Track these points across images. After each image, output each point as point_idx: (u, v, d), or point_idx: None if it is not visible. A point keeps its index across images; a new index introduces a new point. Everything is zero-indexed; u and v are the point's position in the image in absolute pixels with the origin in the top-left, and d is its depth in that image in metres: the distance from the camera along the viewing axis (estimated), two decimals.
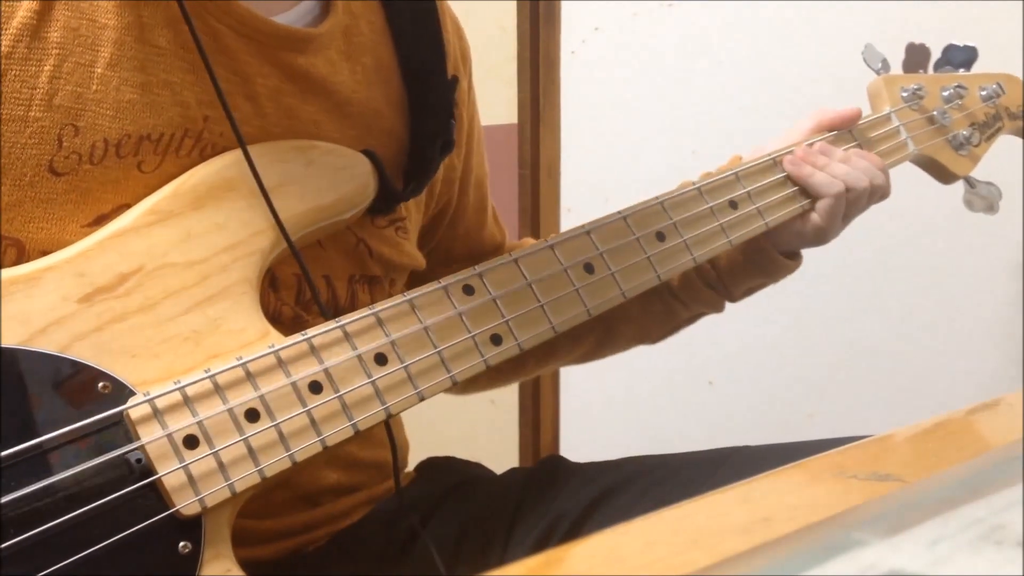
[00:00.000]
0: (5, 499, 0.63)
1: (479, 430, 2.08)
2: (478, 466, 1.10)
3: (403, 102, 0.92)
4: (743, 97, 2.16)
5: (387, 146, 0.90)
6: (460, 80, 0.98)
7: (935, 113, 1.12)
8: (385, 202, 0.87)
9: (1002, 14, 2.11)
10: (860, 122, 1.07)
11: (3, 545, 0.62)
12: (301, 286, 0.84)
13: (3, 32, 0.73)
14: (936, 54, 1.16)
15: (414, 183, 0.91)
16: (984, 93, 1.16)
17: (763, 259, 1.03)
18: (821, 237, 1.02)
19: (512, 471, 1.08)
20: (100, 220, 0.75)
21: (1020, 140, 1.22)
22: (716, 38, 2.16)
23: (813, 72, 2.13)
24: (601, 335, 1.09)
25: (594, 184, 2.16)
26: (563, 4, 2.13)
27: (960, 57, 1.16)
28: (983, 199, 1.12)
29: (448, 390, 1.11)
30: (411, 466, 1.08)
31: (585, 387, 2.12)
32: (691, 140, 2.15)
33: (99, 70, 0.75)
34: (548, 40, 2.14)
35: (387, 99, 0.91)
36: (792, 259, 1.05)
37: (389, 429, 0.83)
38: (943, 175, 1.13)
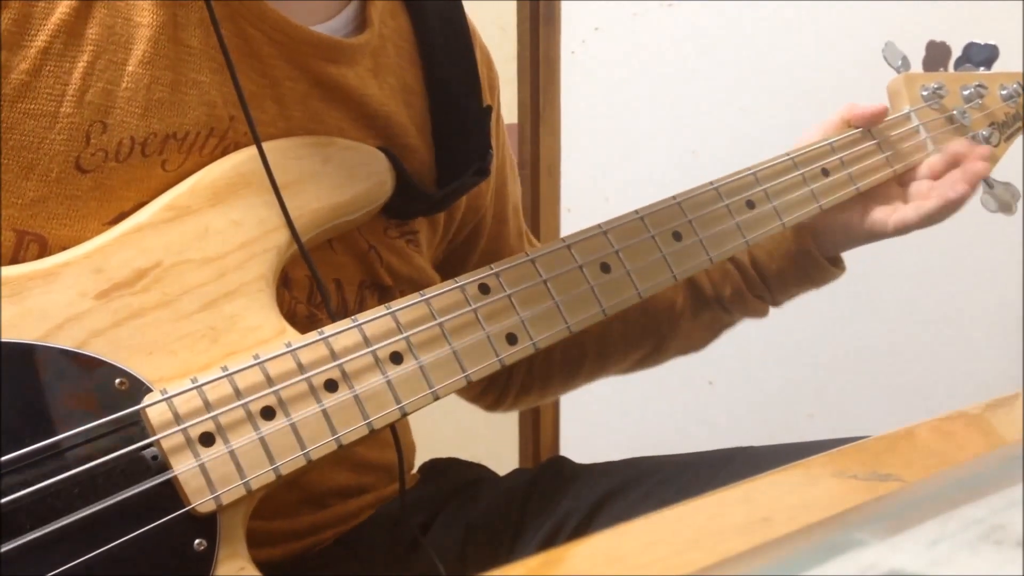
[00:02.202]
0: (21, 495, 0.63)
1: (479, 430, 2.07)
2: (481, 467, 1.10)
3: (427, 127, 0.92)
4: (743, 97, 2.16)
5: (412, 162, 0.90)
6: (492, 109, 0.98)
7: (955, 112, 1.11)
8: (404, 200, 0.87)
9: (1002, 14, 2.11)
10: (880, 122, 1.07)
11: (20, 541, 0.62)
12: (312, 287, 0.84)
13: (41, 28, 0.73)
14: (956, 52, 1.16)
15: (439, 202, 0.91)
16: (1005, 92, 1.15)
17: (811, 266, 1.04)
18: (878, 232, 1.03)
19: (516, 472, 1.08)
20: (121, 218, 0.75)
21: (1020, 139, 1.22)
22: (716, 38, 2.16)
23: (813, 72, 2.13)
24: (655, 344, 1.10)
25: (594, 184, 2.16)
26: (563, 4, 2.13)
27: (981, 55, 1.14)
28: (1000, 199, 1.11)
29: (495, 408, 1.14)
30: (414, 467, 1.09)
31: (585, 387, 2.13)
32: (691, 140, 2.16)
33: (131, 68, 0.75)
34: (548, 40, 2.14)
35: (412, 120, 0.91)
36: (836, 266, 1.07)
37: (395, 431, 0.83)
38: None
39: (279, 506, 0.87)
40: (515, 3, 2.16)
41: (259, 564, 0.71)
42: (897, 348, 2.23)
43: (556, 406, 2.20)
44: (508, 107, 2.09)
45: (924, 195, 1.03)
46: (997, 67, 1.18)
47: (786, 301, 1.09)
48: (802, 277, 1.05)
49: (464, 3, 0.99)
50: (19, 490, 0.63)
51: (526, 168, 2.15)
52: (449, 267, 1.00)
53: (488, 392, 1.14)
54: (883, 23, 2.09)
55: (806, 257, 1.04)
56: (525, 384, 1.12)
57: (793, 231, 1.05)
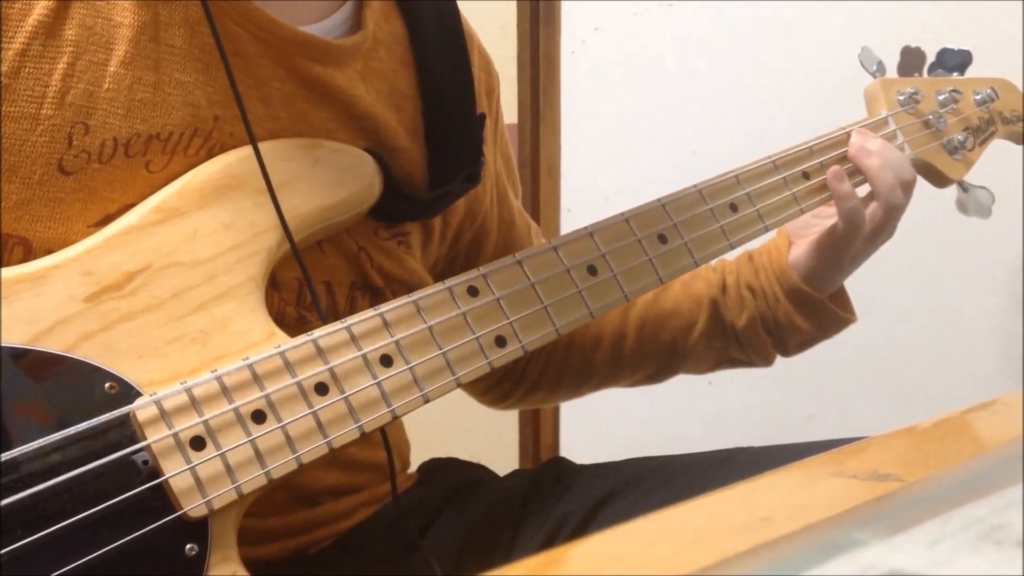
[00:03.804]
0: (11, 500, 0.63)
1: (479, 430, 2.07)
2: (480, 468, 1.10)
3: (419, 131, 0.92)
4: (743, 97, 2.16)
5: (401, 165, 0.90)
6: (486, 117, 0.98)
7: (931, 117, 1.12)
8: (391, 203, 0.87)
9: (1002, 14, 2.11)
10: (859, 124, 1.07)
11: (10, 548, 0.62)
12: (302, 289, 0.84)
13: (19, 29, 0.73)
14: (931, 57, 1.17)
15: (428, 207, 0.91)
16: (978, 97, 1.16)
17: (817, 311, 1.05)
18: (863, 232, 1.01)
19: (516, 473, 1.08)
20: (106, 220, 0.75)
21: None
22: (716, 38, 2.16)
23: (813, 72, 2.13)
24: (667, 361, 1.11)
25: (594, 184, 2.16)
26: (563, 4, 2.14)
27: (954, 61, 1.16)
28: (976, 203, 1.13)
29: (500, 404, 1.15)
30: (413, 467, 1.09)
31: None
32: (691, 140, 2.16)
33: (112, 68, 0.75)
34: (548, 40, 2.14)
35: (401, 124, 0.91)
36: (846, 311, 1.08)
37: (384, 433, 0.83)
38: (937, 179, 1.13)
39: (272, 504, 0.87)
40: (515, 3, 2.16)
41: (254, 563, 0.71)
42: (897, 348, 2.23)
43: (556, 406, 2.19)
44: (508, 107, 2.09)
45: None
46: (997, 72, 1.19)
47: (796, 349, 1.09)
48: (807, 317, 1.05)
49: (464, 3, 0.99)
50: (8, 495, 0.63)
51: (526, 168, 2.15)
52: (456, 272, 0.99)
53: (497, 387, 1.14)
54: (883, 23, 2.09)
55: (807, 298, 1.04)
56: (536, 383, 1.12)
57: (787, 276, 1.05)
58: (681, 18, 2.15)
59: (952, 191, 1.15)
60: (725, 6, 2.14)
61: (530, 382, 1.12)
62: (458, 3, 0.99)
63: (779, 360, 1.11)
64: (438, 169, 0.92)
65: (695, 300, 1.09)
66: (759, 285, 1.06)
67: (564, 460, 1.06)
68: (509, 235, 1.06)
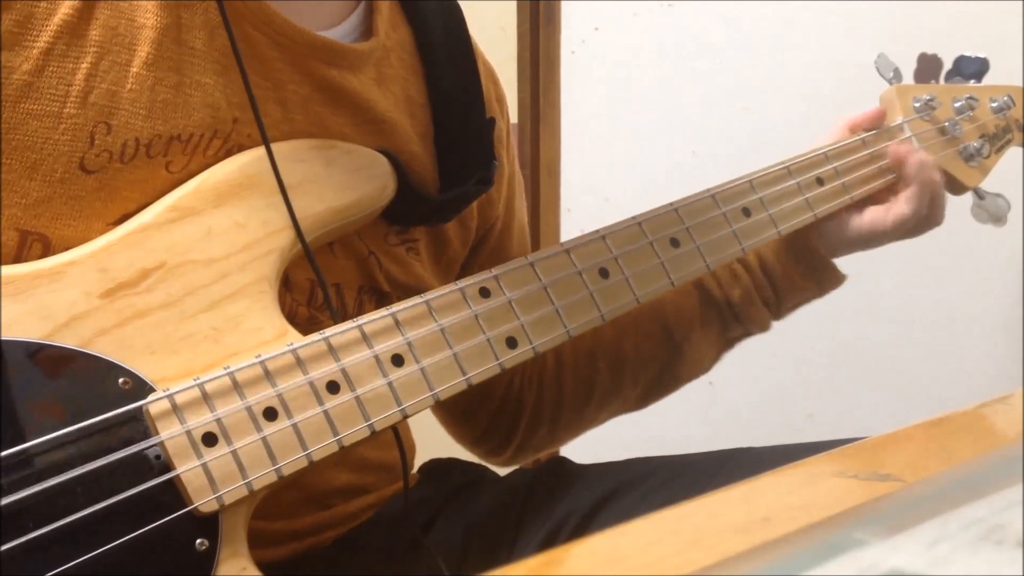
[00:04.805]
0: (24, 494, 0.63)
1: None
2: (481, 468, 1.10)
3: (430, 137, 0.92)
4: (743, 97, 2.17)
5: (415, 170, 0.90)
6: (497, 122, 0.98)
7: (947, 124, 1.12)
8: (405, 204, 0.87)
9: (1002, 15, 2.11)
10: (874, 132, 1.08)
11: (21, 540, 0.62)
12: (313, 290, 0.85)
13: (43, 29, 0.73)
14: (947, 64, 1.17)
15: (440, 210, 0.91)
16: (995, 105, 1.16)
17: (817, 264, 1.06)
18: (879, 229, 1.05)
19: (517, 472, 1.08)
20: (125, 220, 0.75)
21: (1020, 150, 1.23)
22: (716, 38, 2.16)
23: (813, 72, 2.13)
24: (667, 360, 1.10)
25: (594, 184, 2.17)
26: (563, 4, 2.14)
27: (971, 68, 1.16)
28: (991, 211, 1.12)
29: (498, 454, 1.12)
30: (414, 468, 1.09)
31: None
32: (691, 140, 2.16)
33: (135, 69, 0.75)
34: (548, 40, 2.15)
35: (414, 129, 0.91)
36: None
37: (396, 431, 0.83)
38: (953, 186, 1.13)
39: (281, 507, 0.87)
40: (515, 3, 2.16)
41: (261, 565, 0.71)
42: (897, 348, 2.23)
43: None
44: (509, 107, 2.10)
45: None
46: (998, 72, 1.19)
47: (789, 310, 1.10)
48: (807, 277, 1.06)
49: (464, 4, 0.99)
50: (22, 489, 0.63)
51: (526, 168, 2.15)
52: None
53: (492, 434, 1.12)
54: (883, 23, 2.09)
55: (811, 255, 1.05)
56: (535, 417, 1.10)
57: (797, 232, 1.05)
58: (681, 18, 2.16)
59: (963, 196, 1.15)
60: (725, 6, 2.14)
61: (526, 417, 1.10)
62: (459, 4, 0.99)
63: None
64: (449, 175, 0.92)
65: (680, 290, 1.08)
66: (751, 256, 1.07)
67: (565, 460, 1.06)
68: (500, 246, 1.05)
